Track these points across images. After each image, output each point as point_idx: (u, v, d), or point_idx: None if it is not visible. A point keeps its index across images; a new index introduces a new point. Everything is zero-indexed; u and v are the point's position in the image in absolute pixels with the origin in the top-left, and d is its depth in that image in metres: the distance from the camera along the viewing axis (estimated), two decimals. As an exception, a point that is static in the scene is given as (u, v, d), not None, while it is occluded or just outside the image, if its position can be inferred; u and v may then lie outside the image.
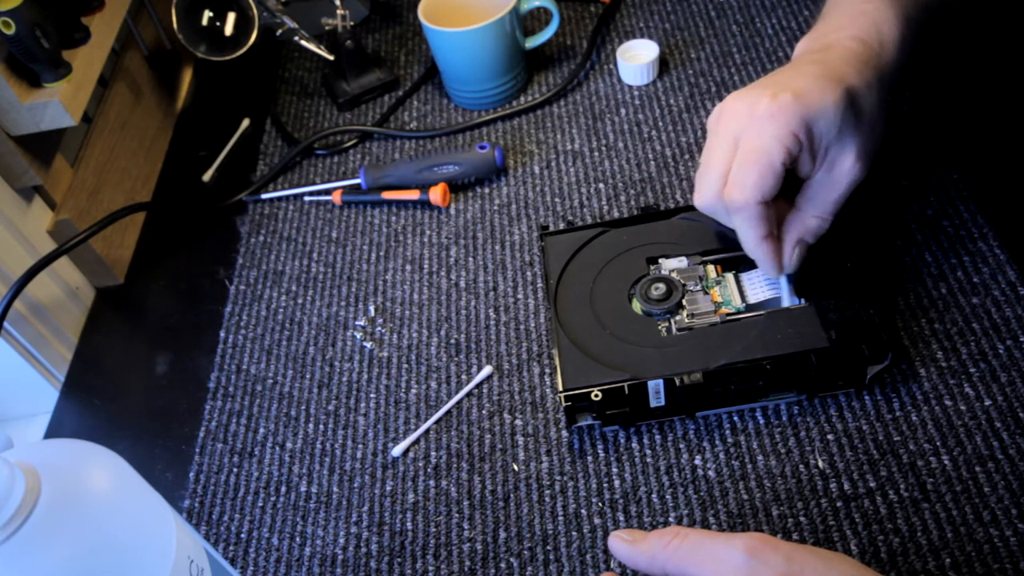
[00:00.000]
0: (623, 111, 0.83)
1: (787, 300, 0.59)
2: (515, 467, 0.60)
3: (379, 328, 0.71)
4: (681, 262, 0.65)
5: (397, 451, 0.62)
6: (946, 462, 0.55)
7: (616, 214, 0.74)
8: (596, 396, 0.57)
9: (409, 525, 0.59)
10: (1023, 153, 0.70)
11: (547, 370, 0.65)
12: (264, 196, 0.84)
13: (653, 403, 0.58)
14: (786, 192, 0.56)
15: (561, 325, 0.62)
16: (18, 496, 0.28)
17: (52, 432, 0.71)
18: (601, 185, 0.77)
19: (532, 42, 0.87)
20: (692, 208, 0.68)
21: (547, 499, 0.58)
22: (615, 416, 0.59)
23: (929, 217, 0.67)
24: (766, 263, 0.58)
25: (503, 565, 0.56)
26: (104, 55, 0.77)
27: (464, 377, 0.66)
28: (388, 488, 0.61)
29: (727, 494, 0.56)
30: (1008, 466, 0.54)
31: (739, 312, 0.61)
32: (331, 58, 0.89)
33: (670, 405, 0.58)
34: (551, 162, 0.80)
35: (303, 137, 0.89)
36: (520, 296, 0.70)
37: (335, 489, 0.62)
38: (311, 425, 0.66)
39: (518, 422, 0.63)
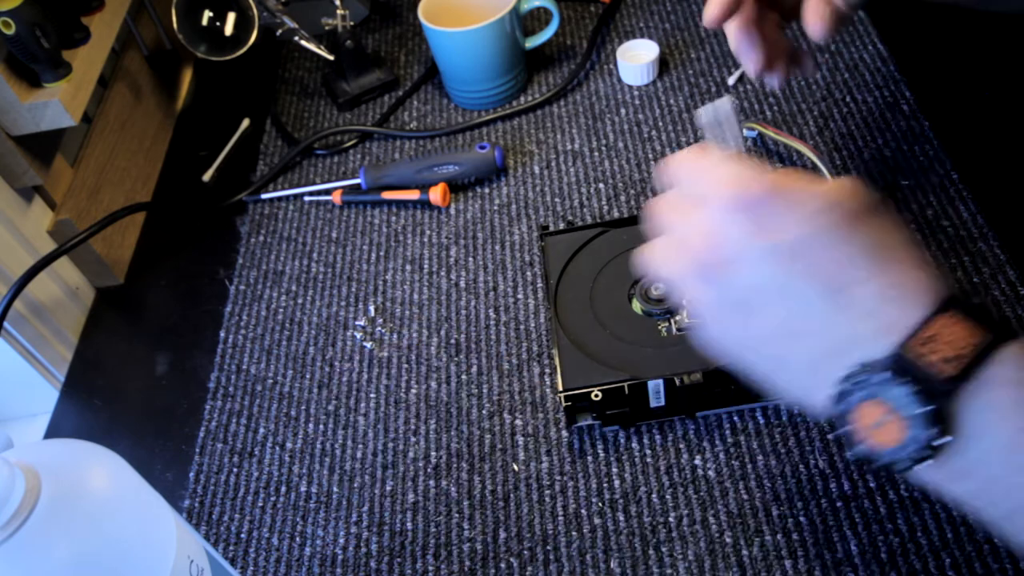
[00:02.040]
0: (623, 111, 0.83)
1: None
2: (515, 467, 0.60)
3: (379, 328, 0.71)
4: (681, 262, 0.64)
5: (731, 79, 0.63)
6: (946, 462, 0.55)
7: (616, 214, 0.74)
8: (596, 396, 0.57)
9: (409, 525, 0.59)
10: (1023, 153, 0.70)
11: (547, 370, 0.65)
12: (264, 196, 0.84)
13: (653, 403, 0.58)
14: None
15: (561, 325, 0.62)
16: (18, 496, 0.28)
17: (52, 432, 0.71)
18: (601, 185, 0.77)
19: (532, 42, 0.87)
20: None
21: (547, 499, 0.58)
22: (615, 416, 0.59)
23: (929, 217, 0.67)
24: (738, 51, 0.59)
25: (503, 565, 0.56)
26: (104, 55, 0.77)
27: (464, 377, 0.66)
28: (388, 488, 0.61)
29: (727, 494, 0.56)
30: (1008, 466, 0.54)
31: (739, 312, 0.61)
32: (331, 58, 0.89)
33: (670, 405, 0.58)
34: (551, 162, 0.80)
35: (303, 137, 0.89)
36: (520, 296, 0.70)
37: (335, 489, 0.62)
38: (311, 425, 0.66)
39: (518, 422, 0.63)
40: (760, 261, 0.37)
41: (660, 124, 0.81)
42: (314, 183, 0.84)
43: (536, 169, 0.80)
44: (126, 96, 0.88)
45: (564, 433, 0.61)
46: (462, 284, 0.72)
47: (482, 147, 0.79)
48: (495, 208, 0.78)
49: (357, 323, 0.72)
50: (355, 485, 0.62)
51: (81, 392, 0.74)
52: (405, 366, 0.68)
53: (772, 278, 0.37)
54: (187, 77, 1.00)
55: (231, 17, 0.85)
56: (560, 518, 0.57)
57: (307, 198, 0.83)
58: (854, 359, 0.35)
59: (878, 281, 0.35)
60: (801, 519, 0.54)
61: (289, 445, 0.65)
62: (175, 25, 0.84)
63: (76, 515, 0.29)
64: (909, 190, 0.69)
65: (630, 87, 0.85)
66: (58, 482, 0.29)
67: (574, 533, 0.56)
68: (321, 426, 0.66)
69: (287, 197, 0.84)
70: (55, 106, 0.69)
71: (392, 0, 1.02)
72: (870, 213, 0.37)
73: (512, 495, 0.59)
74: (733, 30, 0.57)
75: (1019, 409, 0.32)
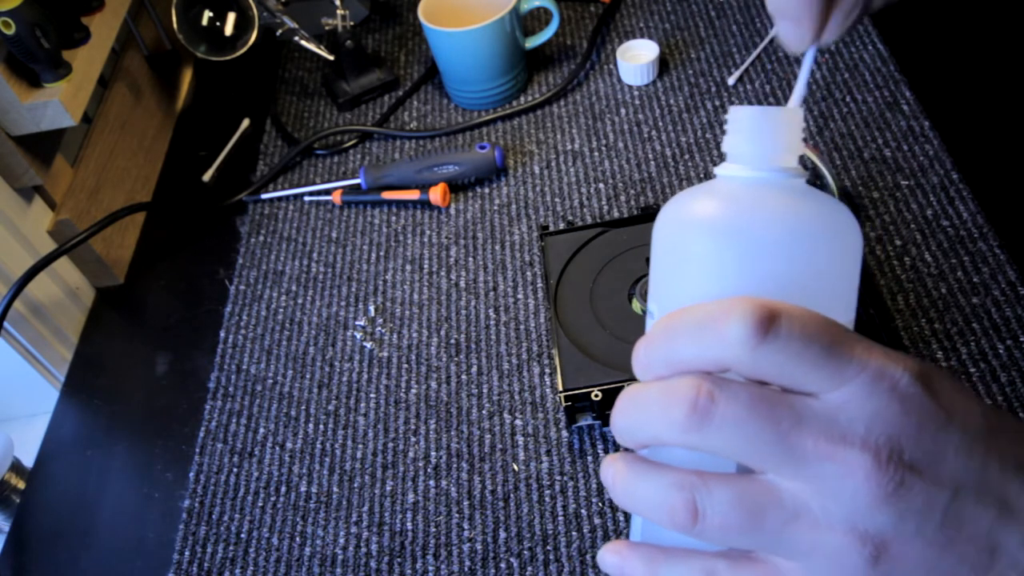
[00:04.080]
0: (623, 111, 0.83)
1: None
2: (515, 467, 0.60)
3: (379, 328, 0.71)
4: (681, 262, 0.64)
5: (732, 79, 0.65)
6: (946, 462, 0.55)
7: (616, 214, 0.74)
8: (596, 396, 0.57)
9: (409, 525, 0.59)
10: (1023, 153, 0.70)
11: (547, 370, 0.65)
12: (264, 196, 0.84)
13: (653, 403, 0.58)
14: None
15: (561, 325, 0.62)
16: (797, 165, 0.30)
17: (52, 432, 0.71)
18: (601, 185, 0.77)
19: (532, 42, 0.87)
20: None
21: (547, 499, 0.58)
22: (615, 416, 0.59)
23: (929, 217, 0.67)
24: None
25: (503, 565, 0.56)
26: (104, 55, 0.77)
27: (464, 377, 0.66)
28: (388, 488, 0.61)
29: (727, 494, 0.56)
30: (1008, 466, 0.54)
31: (739, 312, 0.61)
32: (331, 58, 0.89)
33: (670, 405, 0.58)
34: (551, 162, 0.80)
35: (303, 137, 0.89)
36: (520, 296, 0.70)
37: (335, 489, 0.62)
38: (311, 425, 0.66)
39: (518, 422, 0.63)
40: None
41: (660, 124, 0.81)
42: (314, 183, 0.84)
43: (536, 169, 0.80)
44: (126, 96, 0.88)
45: (564, 433, 0.61)
46: (462, 284, 0.72)
47: (482, 147, 0.79)
48: (495, 208, 0.78)
49: (357, 323, 0.72)
50: (355, 485, 0.62)
51: (81, 392, 0.74)
52: (405, 366, 0.68)
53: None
54: (187, 77, 1.00)
55: (231, 17, 0.85)
56: (560, 518, 0.57)
57: (307, 198, 0.83)
58: None
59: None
60: (801, 519, 0.54)
61: (289, 445, 0.65)
62: (175, 25, 0.84)
63: (838, 209, 0.30)
64: (909, 190, 0.69)
65: (630, 87, 0.85)
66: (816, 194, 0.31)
67: (574, 533, 0.56)
68: (321, 426, 0.66)
69: (287, 197, 0.84)
70: (55, 106, 0.69)
71: (392, 0, 1.02)
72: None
73: (512, 495, 0.59)
74: None
75: None
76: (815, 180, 0.72)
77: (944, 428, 0.26)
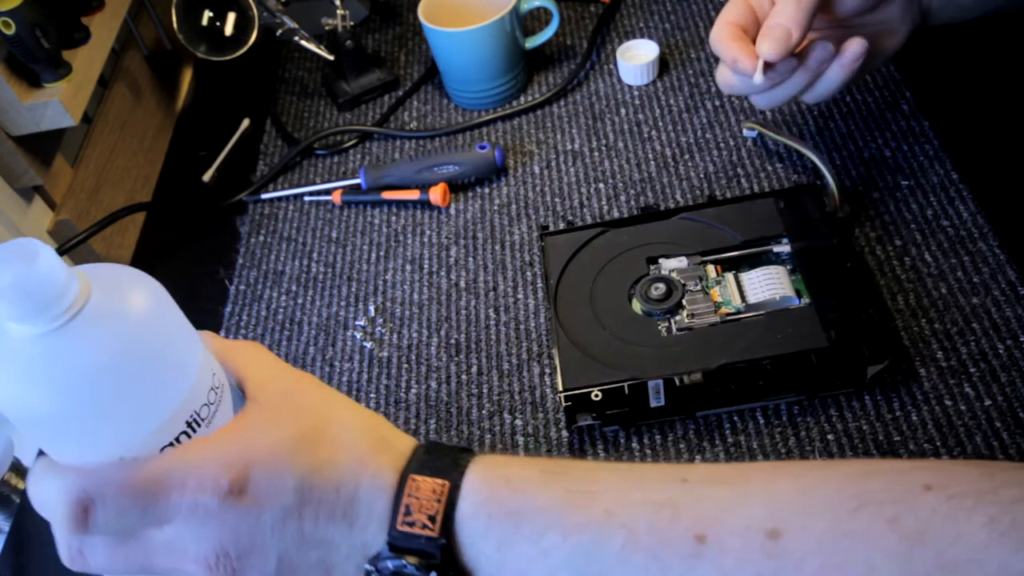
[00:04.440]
0: (623, 111, 0.83)
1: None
2: (515, 467, 0.60)
3: (379, 328, 0.71)
4: (681, 262, 0.65)
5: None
6: (946, 462, 0.55)
7: (616, 214, 0.74)
8: (596, 396, 0.57)
9: (409, 525, 0.59)
10: (1023, 153, 0.70)
11: (547, 370, 0.65)
12: (264, 196, 0.84)
13: (653, 403, 0.58)
14: None
15: (561, 325, 0.62)
16: (73, 292, 0.32)
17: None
18: (601, 185, 0.77)
19: (532, 42, 0.87)
20: (692, 208, 0.68)
21: (547, 499, 0.58)
22: (615, 416, 0.59)
23: (929, 217, 0.67)
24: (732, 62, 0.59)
25: (503, 565, 0.56)
26: (104, 55, 0.77)
27: (464, 377, 0.66)
28: (388, 488, 0.61)
29: (727, 494, 0.56)
30: (1008, 466, 0.54)
31: (739, 312, 0.61)
32: (331, 58, 0.89)
33: (670, 405, 0.58)
34: (551, 162, 0.80)
35: (303, 137, 0.89)
36: (520, 296, 0.70)
37: (335, 489, 0.62)
38: (311, 425, 0.66)
39: (518, 422, 0.63)
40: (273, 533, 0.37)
41: (660, 124, 0.81)
42: (314, 183, 0.84)
43: (536, 169, 0.80)
44: (126, 96, 0.88)
45: (564, 433, 0.61)
46: (462, 284, 0.72)
47: (482, 147, 0.79)
48: (495, 208, 0.78)
49: (357, 323, 0.72)
50: (355, 485, 0.62)
51: (81, 392, 0.74)
52: (405, 366, 0.68)
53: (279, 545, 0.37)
54: (187, 77, 1.00)
55: (231, 17, 0.85)
56: (560, 518, 0.57)
57: (307, 198, 0.83)
58: (362, 562, 0.38)
59: (341, 493, 0.37)
60: (801, 519, 0.54)
61: (289, 445, 0.65)
62: (175, 25, 0.84)
63: (118, 320, 0.33)
64: (909, 190, 0.70)
65: (630, 87, 0.85)
66: (105, 290, 0.34)
67: (574, 533, 0.56)
68: (321, 426, 0.66)
69: (287, 197, 0.84)
70: (55, 106, 0.69)
71: (392, 0, 1.02)
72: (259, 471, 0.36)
73: (512, 495, 0.59)
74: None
75: (491, 533, 0.37)
76: (815, 180, 0.72)
77: (257, 520, 0.36)
